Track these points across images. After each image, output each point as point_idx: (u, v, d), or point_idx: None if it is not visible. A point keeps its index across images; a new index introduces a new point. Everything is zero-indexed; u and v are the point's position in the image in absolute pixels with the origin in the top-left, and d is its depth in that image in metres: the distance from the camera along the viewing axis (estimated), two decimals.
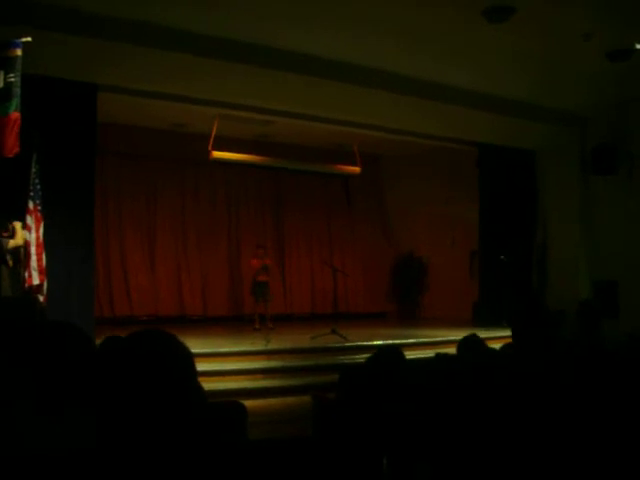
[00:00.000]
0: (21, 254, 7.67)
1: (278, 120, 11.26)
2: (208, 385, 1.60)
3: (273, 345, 9.54)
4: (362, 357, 4.18)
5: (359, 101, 10.07)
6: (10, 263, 7.75)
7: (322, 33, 8.43)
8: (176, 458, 1.44)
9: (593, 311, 5.16)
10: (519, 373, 3.04)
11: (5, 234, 7.69)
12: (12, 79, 6.54)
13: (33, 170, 7.79)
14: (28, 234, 7.68)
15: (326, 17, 7.96)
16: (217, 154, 11.14)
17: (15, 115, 6.57)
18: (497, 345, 4.69)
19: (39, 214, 7.84)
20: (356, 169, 12.53)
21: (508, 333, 4.37)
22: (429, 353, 9.51)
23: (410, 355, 8.29)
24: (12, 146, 6.61)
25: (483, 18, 7.76)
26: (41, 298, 7.78)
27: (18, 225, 7.66)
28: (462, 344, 4.55)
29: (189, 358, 1.54)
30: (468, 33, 8.30)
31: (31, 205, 7.76)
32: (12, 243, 7.69)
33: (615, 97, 10.81)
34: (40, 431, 1.79)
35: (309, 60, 9.13)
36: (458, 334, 10.82)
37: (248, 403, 2.69)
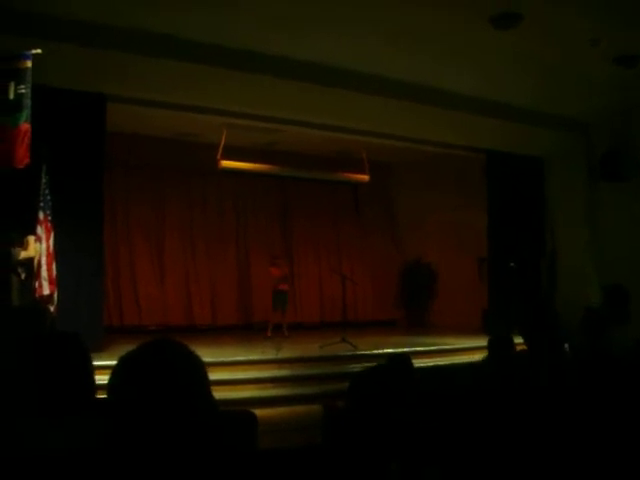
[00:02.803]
0: (34, 267, 7.71)
1: (285, 128, 11.28)
2: (218, 394, 1.61)
3: (283, 354, 9.53)
4: (372, 366, 4.17)
5: (366, 109, 10.08)
6: (22, 275, 7.80)
7: (328, 41, 8.45)
8: (187, 467, 1.45)
9: (598, 317, 5.15)
10: (530, 378, 3.04)
11: (19, 247, 7.76)
12: (23, 90, 6.58)
13: (43, 181, 7.84)
14: (39, 245, 7.73)
15: (332, 25, 7.98)
16: (226, 163, 11.17)
17: (25, 126, 6.62)
18: None
19: (49, 224, 7.89)
20: (365, 177, 12.53)
21: (519, 340, 4.38)
22: (440, 361, 9.54)
23: (420, 363, 8.29)
24: (22, 157, 6.65)
25: (490, 24, 7.77)
26: (51, 308, 7.82)
27: (31, 239, 7.72)
28: (493, 343, 4.54)
29: (201, 367, 1.55)
30: (474, 39, 8.31)
31: (41, 215, 7.81)
32: (23, 254, 7.74)
33: (621, 103, 10.79)
34: (40, 432, 1.80)
35: (315, 68, 9.16)
36: (468, 342, 10.88)
37: (258, 412, 2.69)
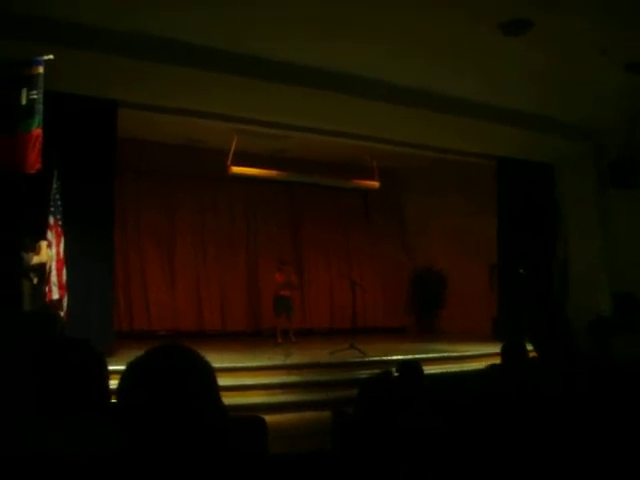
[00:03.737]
0: (46, 272, 7.75)
1: (295, 135, 11.29)
2: (227, 400, 1.61)
3: (292, 360, 9.52)
4: (380, 372, 4.16)
5: (376, 115, 10.08)
6: (34, 280, 7.83)
7: (337, 48, 8.44)
8: (197, 472, 1.44)
9: (605, 325, 5.13)
10: (543, 385, 3.02)
11: (31, 252, 7.80)
12: (34, 96, 6.63)
13: (54, 186, 7.89)
14: (49, 250, 7.78)
15: (340, 31, 7.97)
16: (236, 169, 11.19)
17: (37, 132, 6.66)
18: None
19: (59, 229, 7.93)
20: (375, 183, 12.53)
21: (529, 347, 4.36)
22: (450, 368, 9.50)
23: (430, 370, 8.27)
24: (34, 162, 6.69)
25: (499, 31, 7.76)
26: (61, 313, 7.84)
27: (44, 244, 7.77)
28: (507, 349, 4.53)
29: (210, 372, 1.55)
30: (485, 46, 8.30)
31: (52, 220, 7.85)
32: (36, 259, 7.79)
33: (631, 110, 10.74)
34: (40, 432, 1.80)
35: (325, 75, 9.17)
36: (479, 349, 10.83)
37: (267, 418, 2.68)
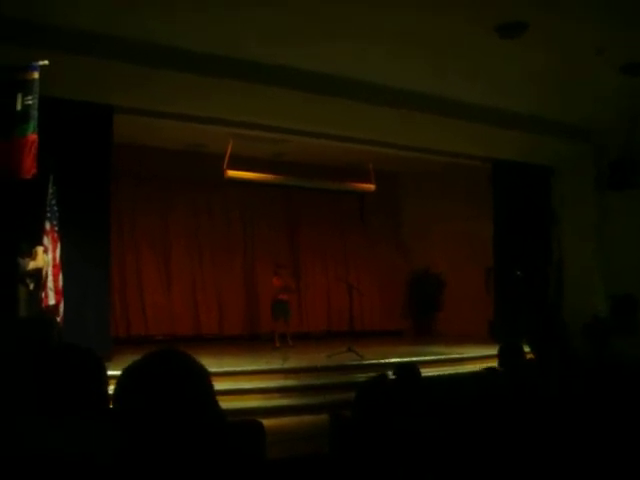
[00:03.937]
0: (42, 278, 7.74)
1: (292, 139, 11.28)
2: (224, 404, 1.60)
3: (289, 364, 9.52)
4: (377, 375, 4.16)
5: (372, 119, 10.08)
6: (31, 286, 7.82)
7: (338, 48, 8.45)
8: (195, 478, 1.44)
9: (602, 326, 5.14)
10: (540, 387, 3.02)
11: (27, 258, 7.79)
12: (30, 102, 6.63)
13: (50, 191, 7.87)
14: (46, 255, 7.76)
15: (343, 32, 7.98)
16: (232, 173, 11.18)
17: (33, 137, 6.66)
18: None
19: (56, 235, 7.91)
20: (371, 186, 12.53)
21: (526, 349, 4.36)
22: (447, 370, 9.50)
23: (428, 372, 8.26)
24: (30, 167, 6.69)
25: (495, 34, 7.78)
26: (57, 318, 7.82)
27: (40, 249, 7.76)
28: (504, 351, 4.53)
29: (206, 377, 1.55)
30: (482, 49, 8.32)
31: (48, 226, 7.84)
32: (32, 265, 7.77)
33: (629, 111, 10.77)
34: (39, 432, 1.80)
35: (321, 78, 9.18)
36: (476, 351, 10.82)
37: (265, 422, 2.68)
